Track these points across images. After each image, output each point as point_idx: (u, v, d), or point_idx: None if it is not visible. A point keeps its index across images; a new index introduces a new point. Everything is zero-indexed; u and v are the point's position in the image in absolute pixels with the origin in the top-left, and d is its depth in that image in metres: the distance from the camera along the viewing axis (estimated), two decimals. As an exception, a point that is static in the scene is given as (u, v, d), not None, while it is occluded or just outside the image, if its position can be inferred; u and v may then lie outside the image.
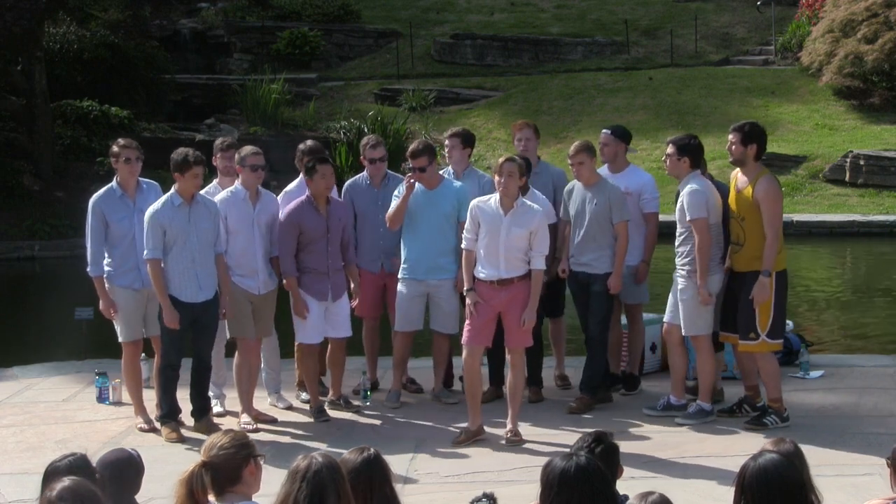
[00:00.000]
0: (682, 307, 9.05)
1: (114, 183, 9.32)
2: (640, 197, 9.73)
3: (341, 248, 9.45)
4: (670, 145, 9.21)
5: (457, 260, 9.53)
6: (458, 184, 9.75)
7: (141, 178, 9.38)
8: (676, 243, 9.14)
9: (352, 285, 9.65)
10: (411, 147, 9.77)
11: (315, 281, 9.32)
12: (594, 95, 26.40)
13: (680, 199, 9.07)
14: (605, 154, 9.93)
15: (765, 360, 8.94)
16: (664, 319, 9.39)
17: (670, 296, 9.23)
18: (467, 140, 10.05)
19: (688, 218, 8.95)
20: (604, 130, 10.14)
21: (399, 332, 9.81)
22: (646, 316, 10.18)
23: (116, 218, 9.17)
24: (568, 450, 4.95)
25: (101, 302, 9.29)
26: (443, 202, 9.58)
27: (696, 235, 8.93)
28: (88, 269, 9.27)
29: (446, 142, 10.06)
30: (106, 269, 9.21)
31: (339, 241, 9.41)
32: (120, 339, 9.34)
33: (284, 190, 9.88)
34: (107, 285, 9.23)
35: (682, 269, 9.05)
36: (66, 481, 4.38)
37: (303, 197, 9.36)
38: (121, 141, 9.53)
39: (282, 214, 9.36)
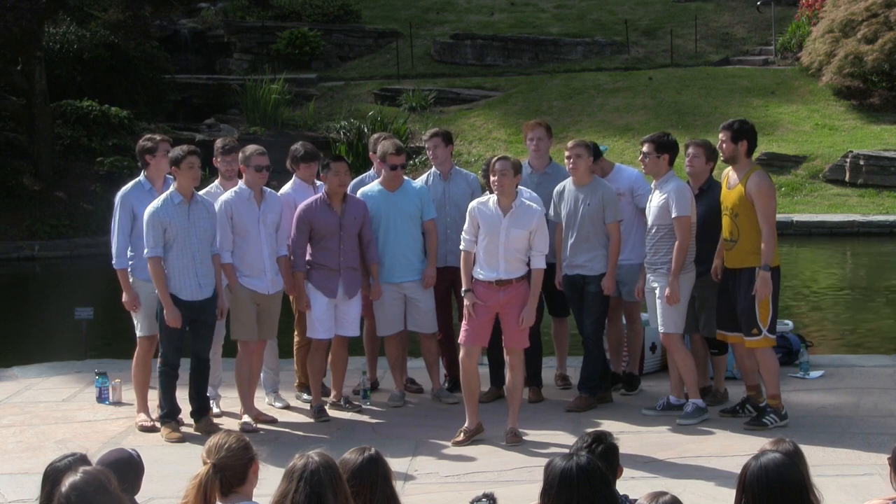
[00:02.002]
0: (661, 305, 9.07)
1: (142, 177, 9.36)
2: (632, 194, 9.72)
3: (362, 246, 9.46)
4: (647, 144, 9.26)
5: (425, 259, 9.64)
6: (417, 184, 9.84)
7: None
8: (653, 241, 9.14)
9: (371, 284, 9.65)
10: (393, 146, 9.64)
11: (325, 277, 9.33)
12: (594, 95, 26.40)
13: (663, 196, 9.07)
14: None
15: (765, 357, 8.94)
16: (653, 326, 9.42)
17: (649, 302, 9.25)
18: (448, 138, 10.16)
19: (675, 214, 8.97)
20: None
21: (384, 337, 9.86)
22: (645, 316, 10.17)
23: (144, 212, 9.15)
24: (568, 450, 4.95)
25: (124, 295, 9.26)
26: (406, 203, 9.64)
27: (678, 233, 8.96)
28: (114, 262, 9.27)
29: (427, 144, 10.08)
30: (129, 262, 9.22)
31: (355, 240, 9.40)
32: (138, 334, 9.33)
33: (279, 192, 9.84)
34: (130, 279, 9.24)
35: (663, 268, 9.06)
36: (76, 476, 4.37)
37: (319, 194, 9.40)
38: (156, 136, 9.58)
39: (297, 210, 9.38)
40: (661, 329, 9.17)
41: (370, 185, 9.84)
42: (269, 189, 9.51)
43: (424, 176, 10.18)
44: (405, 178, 9.86)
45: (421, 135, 24.02)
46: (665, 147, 9.21)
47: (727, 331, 9.12)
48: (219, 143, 10.02)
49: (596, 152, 9.56)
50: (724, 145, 8.95)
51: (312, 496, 4.32)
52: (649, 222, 9.19)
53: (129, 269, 9.22)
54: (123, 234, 9.22)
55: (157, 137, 9.53)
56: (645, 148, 9.26)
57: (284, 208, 9.45)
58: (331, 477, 4.37)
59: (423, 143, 10.26)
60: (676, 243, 8.97)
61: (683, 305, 9.11)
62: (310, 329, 9.47)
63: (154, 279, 8.89)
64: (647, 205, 9.28)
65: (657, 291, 9.10)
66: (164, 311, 8.87)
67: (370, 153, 10.26)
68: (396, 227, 9.62)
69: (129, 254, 9.21)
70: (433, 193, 9.89)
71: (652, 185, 9.35)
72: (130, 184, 9.40)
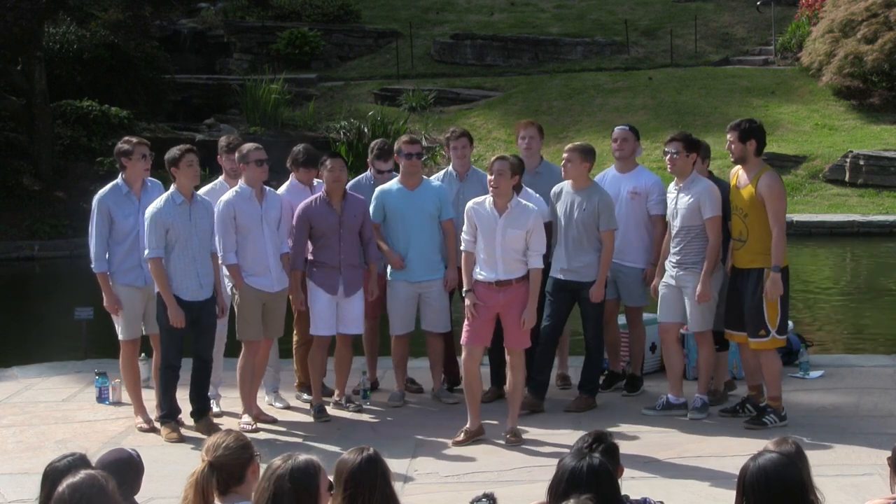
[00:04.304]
0: (691, 304, 9.07)
1: (119, 180, 9.28)
2: (647, 198, 9.69)
3: (363, 244, 9.44)
4: (674, 143, 9.14)
5: (445, 258, 9.59)
6: (436, 183, 9.82)
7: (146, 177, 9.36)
8: (683, 241, 9.11)
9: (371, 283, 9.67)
10: (406, 136, 9.82)
11: (326, 275, 9.32)
12: (594, 95, 26.40)
13: (692, 198, 9.03)
14: (624, 149, 9.82)
15: (769, 359, 8.94)
16: (660, 319, 9.40)
17: (664, 294, 9.25)
18: (471, 139, 10.12)
19: (707, 216, 8.97)
20: (620, 127, 10.03)
21: (395, 335, 9.83)
22: (645, 316, 10.16)
23: (122, 215, 9.13)
24: (568, 450, 4.95)
25: (105, 299, 9.22)
26: (425, 202, 9.62)
27: (711, 233, 8.96)
28: (92, 266, 9.20)
29: (453, 143, 9.99)
30: (107, 266, 9.18)
31: (355, 238, 9.39)
32: (120, 338, 9.31)
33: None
34: (110, 282, 9.21)
35: (695, 268, 9.05)
36: (75, 477, 4.37)
37: (319, 192, 9.38)
38: (133, 139, 9.43)
39: (297, 209, 9.38)
40: (692, 328, 9.19)
41: (389, 183, 9.78)
42: (268, 187, 9.49)
43: (441, 173, 10.15)
44: (424, 177, 9.85)
45: (420, 135, 24.03)
46: (694, 146, 9.17)
47: (734, 330, 9.12)
48: (223, 140, 10.02)
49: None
50: (732, 146, 8.92)
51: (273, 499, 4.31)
52: (677, 224, 9.13)
53: (108, 273, 9.17)
54: (101, 238, 9.13)
55: (134, 140, 9.38)
56: (672, 147, 9.12)
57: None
58: (293, 487, 4.31)
59: (444, 141, 10.20)
60: (710, 243, 8.98)
61: (713, 303, 9.13)
62: (312, 326, 9.44)
63: (156, 280, 8.86)
64: (672, 206, 9.22)
65: (687, 291, 9.10)
66: (168, 311, 8.85)
67: (367, 160, 10.25)
68: (418, 226, 9.58)
69: (107, 257, 9.16)
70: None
71: (672, 186, 9.28)
72: (107, 186, 9.30)
